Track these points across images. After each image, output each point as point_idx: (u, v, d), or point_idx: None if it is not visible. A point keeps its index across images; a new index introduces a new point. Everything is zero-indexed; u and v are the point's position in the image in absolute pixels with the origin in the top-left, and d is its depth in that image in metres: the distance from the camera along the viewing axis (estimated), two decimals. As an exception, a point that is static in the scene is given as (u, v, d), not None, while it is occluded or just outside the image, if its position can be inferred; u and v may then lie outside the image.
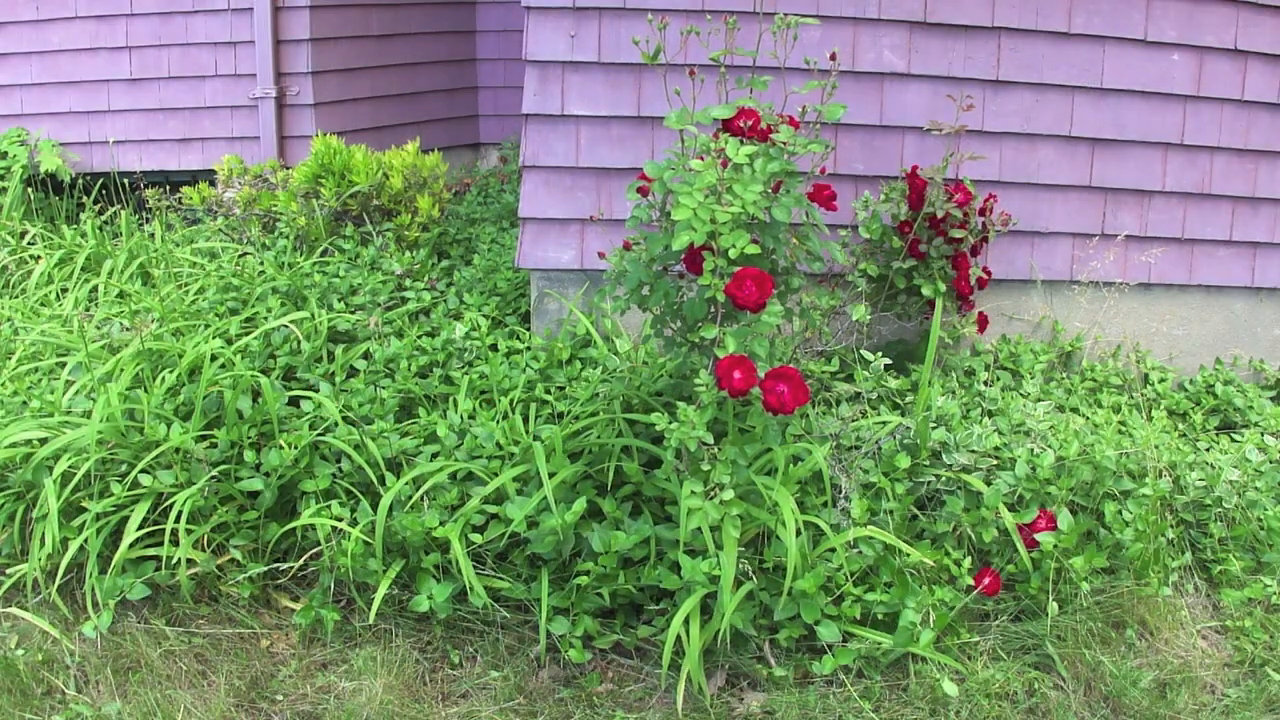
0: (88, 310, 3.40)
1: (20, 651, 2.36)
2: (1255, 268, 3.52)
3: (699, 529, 2.26)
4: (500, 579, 2.45)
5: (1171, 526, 2.68)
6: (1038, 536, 2.48)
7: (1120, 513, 2.62)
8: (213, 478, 2.54)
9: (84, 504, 2.49)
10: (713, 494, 2.26)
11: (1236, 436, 3.12)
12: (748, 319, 2.30)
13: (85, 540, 2.45)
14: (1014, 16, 3.24)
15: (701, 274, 2.22)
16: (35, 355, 3.11)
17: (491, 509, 2.47)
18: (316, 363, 3.07)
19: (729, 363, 2.18)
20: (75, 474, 2.50)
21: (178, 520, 2.42)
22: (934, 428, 2.75)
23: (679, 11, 3.11)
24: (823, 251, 2.51)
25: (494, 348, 3.22)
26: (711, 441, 2.24)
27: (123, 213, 4.14)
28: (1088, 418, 3.06)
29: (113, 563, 2.43)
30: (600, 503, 2.46)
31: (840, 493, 2.57)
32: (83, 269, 3.73)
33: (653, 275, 2.44)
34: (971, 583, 2.46)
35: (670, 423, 2.23)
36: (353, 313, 3.39)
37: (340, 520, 2.47)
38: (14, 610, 2.48)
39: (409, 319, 3.43)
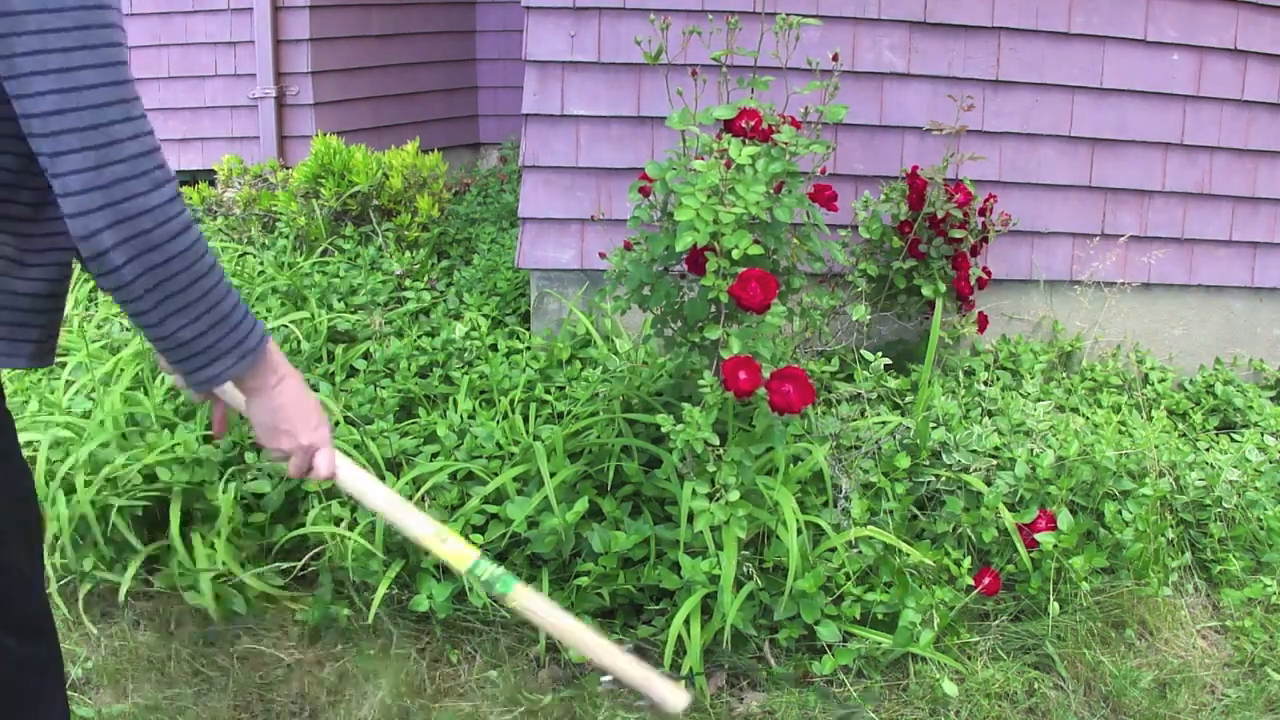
0: (88, 310, 3.40)
1: (21, 651, 2.36)
2: (1255, 268, 3.52)
3: (699, 529, 2.26)
4: (501, 579, 2.45)
5: (1171, 526, 2.69)
6: (1038, 536, 2.48)
7: (1120, 513, 2.62)
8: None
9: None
10: (717, 495, 2.26)
11: (1236, 436, 3.12)
12: (752, 319, 2.30)
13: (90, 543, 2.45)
14: (1014, 16, 3.24)
15: (704, 274, 2.22)
16: (35, 355, 3.11)
17: (491, 509, 2.47)
18: (316, 362, 3.07)
19: (734, 363, 2.18)
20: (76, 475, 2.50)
21: (183, 522, 2.42)
22: (934, 428, 2.75)
23: (679, 11, 3.11)
24: (823, 252, 2.51)
25: (494, 348, 3.22)
26: (717, 442, 2.24)
27: (122, 212, 4.14)
28: (1088, 418, 3.06)
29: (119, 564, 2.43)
30: (600, 502, 2.46)
31: (840, 493, 2.57)
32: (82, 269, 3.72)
33: (654, 275, 2.44)
34: (971, 583, 2.46)
35: (676, 424, 2.23)
36: (353, 313, 3.38)
37: (341, 520, 2.47)
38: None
39: (409, 319, 3.43)
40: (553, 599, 2.38)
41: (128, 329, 3.12)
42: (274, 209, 4.04)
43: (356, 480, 1.53)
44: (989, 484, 2.63)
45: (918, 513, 2.63)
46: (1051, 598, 2.45)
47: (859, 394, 2.94)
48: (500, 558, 2.51)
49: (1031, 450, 2.72)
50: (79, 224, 1.18)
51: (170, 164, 1.27)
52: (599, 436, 2.64)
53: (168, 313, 1.25)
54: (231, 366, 1.33)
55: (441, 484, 2.54)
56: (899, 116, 3.30)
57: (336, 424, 2.68)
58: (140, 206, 1.20)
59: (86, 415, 2.66)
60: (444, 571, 2.45)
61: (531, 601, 1.60)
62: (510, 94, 5.71)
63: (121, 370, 2.81)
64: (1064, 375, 3.36)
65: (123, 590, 2.40)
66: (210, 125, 4.89)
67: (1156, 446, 2.80)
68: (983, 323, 3.26)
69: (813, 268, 2.57)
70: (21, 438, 2.58)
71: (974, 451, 2.70)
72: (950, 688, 2.27)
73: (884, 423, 2.75)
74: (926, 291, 3.08)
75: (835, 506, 2.54)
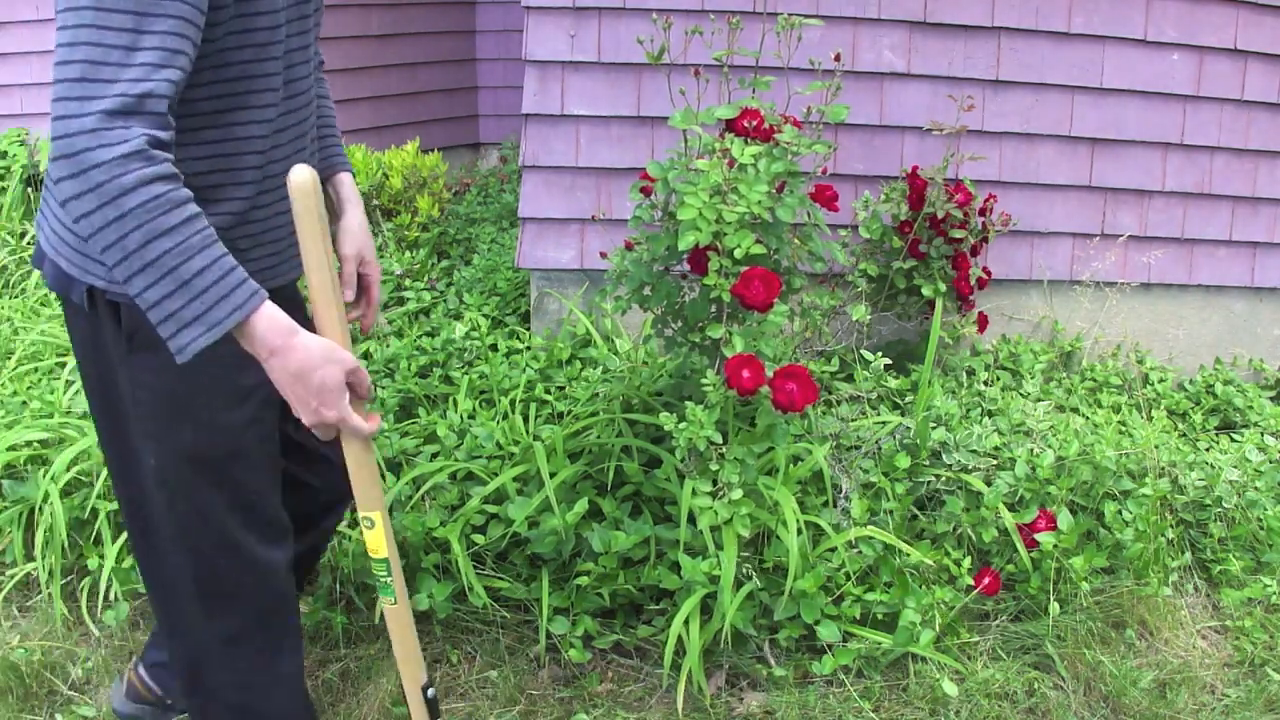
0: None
1: (22, 651, 2.36)
2: (1255, 268, 3.52)
3: (699, 528, 2.26)
4: (500, 579, 2.45)
5: (1171, 526, 2.69)
6: (1038, 536, 2.48)
7: (1120, 513, 2.63)
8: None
9: (95, 505, 2.49)
10: (720, 493, 2.26)
11: (1236, 436, 3.12)
12: (754, 318, 2.30)
13: (95, 541, 2.45)
14: (1014, 16, 3.24)
15: (705, 274, 2.22)
16: (35, 355, 3.11)
17: (492, 509, 2.47)
18: (317, 362, 3.07)
19: (737, 362, 2.18)
20: (81, 477, 2.50)
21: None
22: (934, 428, 2.75)
23: (680, 11, 3.12)
24: (824, 252, 2.51)
25: (494, 348, 3.22)
26: (720, 441, 2.24)
27: (122, 212, 4.14)
28: (1088, 418, 3.06)
29: (120, 563, 2.43)
30: (600, 503, 2.46)
31: (840, 493, 2.57)
32: (82, 268, 3.72)
33: (655, 275, 2.44)
34: (971, 583, 2.46)
35: (679, 423, 2.23)
36: (353, 312, 3.38)
37: (341, 520, 2.46)
38: (15, 610, 2.48)
39: (409, 319, 3.43)
40: (553, 599, 2.39)
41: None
42: (274, 209, 4.03)
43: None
44: (989, 484, 2.63)
45: (918, 513, 2.63)
46: (1051, 598, 2.45)
47: (859, 394, 2.94)
48: (501, 558, 2.51)
49: (1031, 450, 2.72)
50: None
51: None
52: (599, 436, 2.64)
53: (131, 271, 1.27)
54: (199, 337, 1.30)
55: (441, 484, 2.54)
56: (899, 116, 3.30)
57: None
58: (92, 160, 1.24)
59: (86, 415, 2.66)
60: (444, 571, 2.45)
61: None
62: (510, 94, 5.71)
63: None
64: (1064, 375, 3.36)
65: (116, 588, 2.40)
66: (210, 125, 4.88)
67: (1156, 446, 2.80)
68: (983, 323, 3.26)
69: (813, 268, 2.57)
70: (21, 437, 2.59)
71: (974, 451, 2.70)
72: (950, 688, 2.28)
73: (884, 423, 2.75)
74: (926, 291, 3.08)
75: (835, 506, 2.54)
